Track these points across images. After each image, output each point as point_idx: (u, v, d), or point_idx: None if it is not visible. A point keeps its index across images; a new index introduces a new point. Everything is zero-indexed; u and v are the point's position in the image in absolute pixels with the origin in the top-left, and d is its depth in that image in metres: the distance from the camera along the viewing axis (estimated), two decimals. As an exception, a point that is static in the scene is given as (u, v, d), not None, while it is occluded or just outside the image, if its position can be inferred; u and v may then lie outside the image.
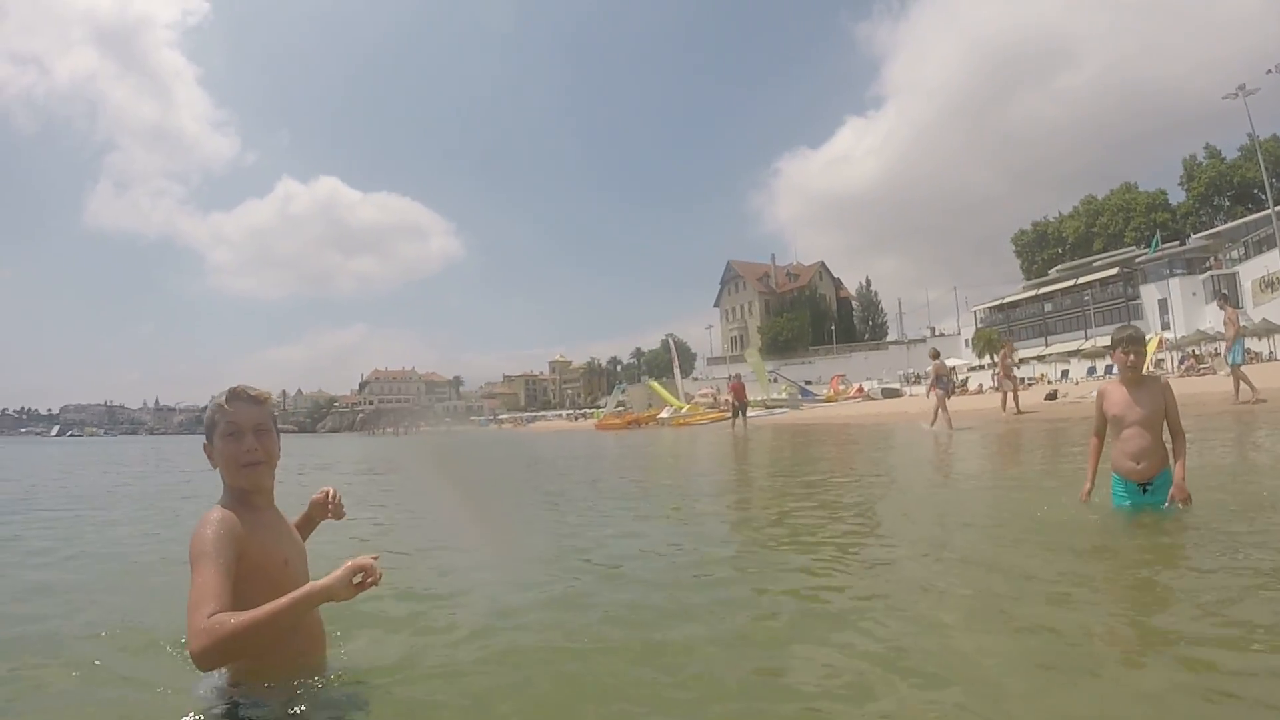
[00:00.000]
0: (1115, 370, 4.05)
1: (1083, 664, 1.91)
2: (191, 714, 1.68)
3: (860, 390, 44.52)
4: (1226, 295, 14.64)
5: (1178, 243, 53.07)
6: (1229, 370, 12.95)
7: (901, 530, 4.03)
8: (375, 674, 1.95)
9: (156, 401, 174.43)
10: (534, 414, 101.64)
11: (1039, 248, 69.69)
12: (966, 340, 60.87)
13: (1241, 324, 16.24)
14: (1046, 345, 54.33)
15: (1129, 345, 3.64)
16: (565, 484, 8.52)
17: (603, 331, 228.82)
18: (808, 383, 53.53)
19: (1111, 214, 62.97)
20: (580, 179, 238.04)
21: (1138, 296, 50.33)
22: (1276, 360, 28.88)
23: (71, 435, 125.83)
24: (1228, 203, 57.34)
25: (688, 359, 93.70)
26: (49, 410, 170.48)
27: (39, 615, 2.80)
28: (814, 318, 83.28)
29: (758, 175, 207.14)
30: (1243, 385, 12.30)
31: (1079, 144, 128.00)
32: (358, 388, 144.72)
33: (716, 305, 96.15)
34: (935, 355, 15.38)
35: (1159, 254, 50.23)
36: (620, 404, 68.83)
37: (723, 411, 37.62)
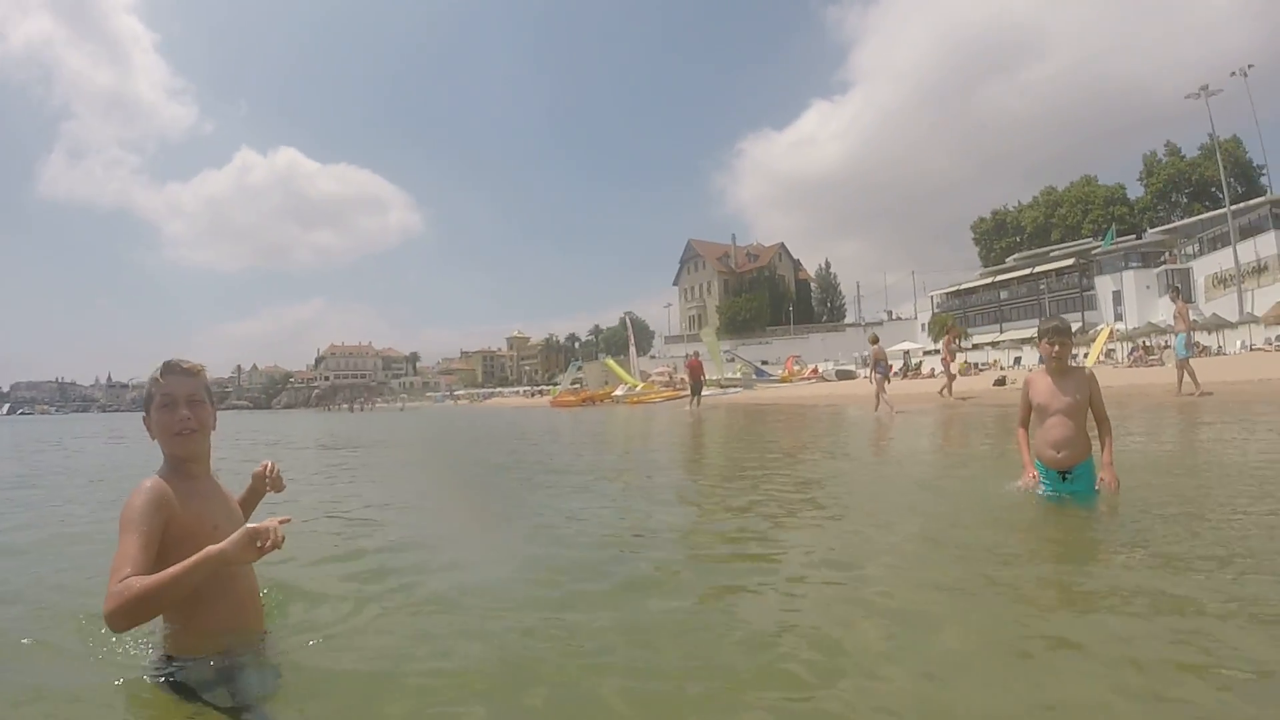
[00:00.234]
0: (1040, 360, 4.05)
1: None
2: (121, 680, 1.75)
3: (815, 371, 44.79)
4: (1179, 289, 14.29)
5: (1134, 236, 53.76)
6: (1176, 363, 12.83)
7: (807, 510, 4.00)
8: (309, 642, 2.01)
9: (109, 378, 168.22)
10: (490, 390, 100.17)
11: (997, 236, 70.37)
12: (923, 325, 61.31)
13: (1193, 318, 15.90)
14: (1001, 332, 55.07)
15: (1054, 336, 3.69)
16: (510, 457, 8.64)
17: (563, 309, 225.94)
18: (764, 363, 53.25)
19: (1070, 205, 63.71)
20: (543, 155, 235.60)
21: (1092, 287, 51.09)
22: (1225, 355, 29.01)
23: (22, 414, 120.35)
24: (1185, 199, 58.34)
25: (646, 337, 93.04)
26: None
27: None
28: (773, 299, 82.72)
29: (721, 155, 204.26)
30: (1185, 378, 12.43)
31: (1042, 136, 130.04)
32: (314, 363, 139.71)
33: (675, 284, 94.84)
34: (875, 340, 14.84)
35: (1114, 246, 50.78)
36: (576, 381, 68.17)
37: (678, 390, 37.30)
